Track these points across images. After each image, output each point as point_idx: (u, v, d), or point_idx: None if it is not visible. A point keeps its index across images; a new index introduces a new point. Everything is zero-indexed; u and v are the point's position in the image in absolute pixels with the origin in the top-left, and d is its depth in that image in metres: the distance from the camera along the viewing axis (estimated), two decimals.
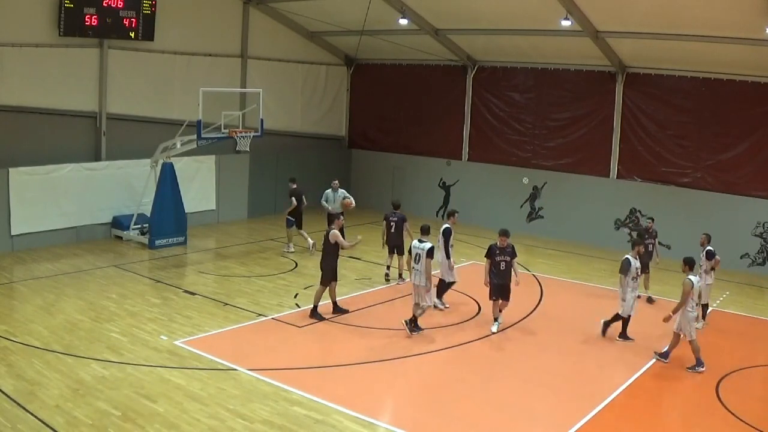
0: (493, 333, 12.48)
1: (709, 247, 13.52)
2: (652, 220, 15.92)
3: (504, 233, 12.59)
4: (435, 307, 13.20)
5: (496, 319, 12.68)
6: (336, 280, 13.24)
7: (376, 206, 23.15)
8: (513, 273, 12.58)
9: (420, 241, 12.35)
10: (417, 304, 12.33)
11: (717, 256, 13.40)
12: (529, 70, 21.65)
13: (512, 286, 12.65)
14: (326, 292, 13.13)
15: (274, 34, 22.64)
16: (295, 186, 18.11)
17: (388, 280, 15.66)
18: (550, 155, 21.44)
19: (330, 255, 13.05)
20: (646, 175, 19.84)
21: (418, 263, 12.18)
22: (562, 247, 19.81)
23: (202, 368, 10.41)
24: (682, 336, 11.30)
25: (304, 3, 20.60)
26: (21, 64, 17.07)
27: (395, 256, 15.64)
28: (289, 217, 17.87)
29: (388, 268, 15.75)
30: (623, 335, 12.40)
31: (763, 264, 18.00)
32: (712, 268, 13.44)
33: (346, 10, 20.13)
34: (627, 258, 12.35)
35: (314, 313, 12.94)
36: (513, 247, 12.62)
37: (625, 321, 12.38)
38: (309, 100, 24.33)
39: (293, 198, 17.83)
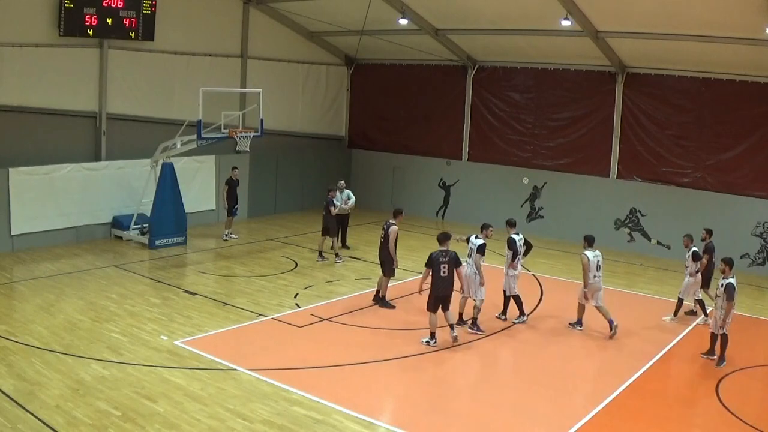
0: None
1: (694, 248, 13.59)
2: (708, 233, 14.25)
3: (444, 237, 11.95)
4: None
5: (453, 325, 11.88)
6: (388, 275, 13.96)
7: (376, 206, 23.19)
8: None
9: (476, 237, 12.79)
10: (466, 298, 12.75)
11: (703, 259, 13.52)
12: (529, 70, 21.65)
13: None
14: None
15: (274, 34, 22.64)
16: (230, 176, 19.17)
17: (324, 258, 17.12)
18: (550, 155, 21.44)
19: (384, 248, 13.84)
20: (646, 175, 19.84)
21: (471, 258, 12.67)
22: (562, 247, 19.79)
23: (202, 368, 10.41)
24: (586, 304, 12.64)
25: (304, 3, 20.60)
26: (21, 64, 17.07)
27: (333, 237, 17.26)
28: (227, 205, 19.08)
29: (321, 253, 17.22)
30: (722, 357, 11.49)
31: (763, 264, 17.99)
32: (697, 271, 13.48)
33: (346, 10, 20.13)
34: (731, 283, 11.20)
35: (381, 301, 13.85)
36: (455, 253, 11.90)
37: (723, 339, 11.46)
38: (309, 100, 24.34)
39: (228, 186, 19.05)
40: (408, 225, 21.41)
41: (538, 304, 14.55)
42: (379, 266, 14.21)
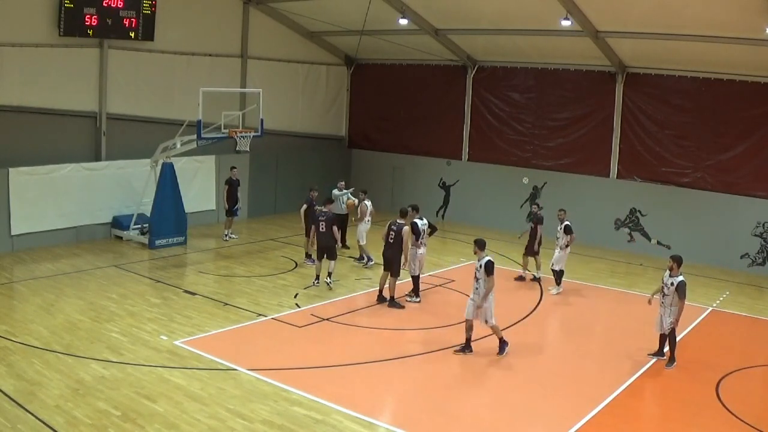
0: (328, 284, 14.60)
1: (567, 222, 15.02)
2: (538, 206, 16.68)
3: (329, 200, 15.23)
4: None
5: (324, 276, 14.71)
6: (395, 276, 13.86)
7: (376, 206, 23.06)
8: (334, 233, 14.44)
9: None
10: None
11: (573, 234, 15.07)
12: (529, 70, 21.65)
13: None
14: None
15: (274, 34, 22.64)
16: (230, 176, 19.11)
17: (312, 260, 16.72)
18: (550, 155, 21.44)
19: (394, 248, 13.70)
20: (646, 175, 19.84)
21: (423, 238, 14.29)
22: None
23: (202, 368, 10.42)
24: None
25: (304, 3, 20.60)
26: (21, 64, 17.07)
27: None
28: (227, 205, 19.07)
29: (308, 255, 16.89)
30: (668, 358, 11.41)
31: (763, 264, 18.00)
32: (567, 245, 15.04)
33: (346, 10, 20.13)
34: (683, 281, 11.00)
35: (391, 302, 13.81)
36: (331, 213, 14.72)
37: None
38: (309, 100, 24.34)
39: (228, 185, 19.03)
40: None
41: (538, 304, 14.56)
42: (381, 266, 14.18)
